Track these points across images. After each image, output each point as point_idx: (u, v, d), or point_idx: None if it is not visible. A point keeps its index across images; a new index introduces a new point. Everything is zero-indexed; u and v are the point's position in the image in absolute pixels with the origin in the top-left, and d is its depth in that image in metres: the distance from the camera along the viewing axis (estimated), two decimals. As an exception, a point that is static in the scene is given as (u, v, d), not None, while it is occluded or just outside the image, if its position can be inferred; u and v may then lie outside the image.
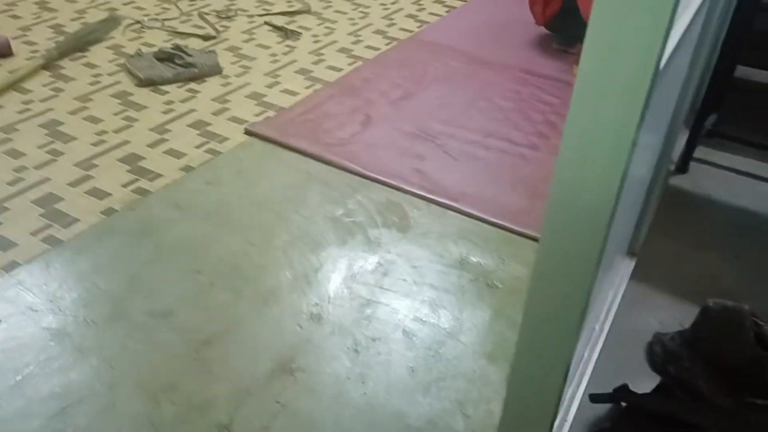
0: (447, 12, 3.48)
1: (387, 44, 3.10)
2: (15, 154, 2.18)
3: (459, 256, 1.83)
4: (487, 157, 2.27)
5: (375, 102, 2.58)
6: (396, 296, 1.68)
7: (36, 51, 2.83)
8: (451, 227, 1.95)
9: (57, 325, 1.56)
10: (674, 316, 1.61)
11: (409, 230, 1.93)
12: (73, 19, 3.18)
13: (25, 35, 2.98)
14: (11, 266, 1.73)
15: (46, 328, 1.55)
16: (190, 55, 2.80)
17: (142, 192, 2.04)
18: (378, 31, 3.24)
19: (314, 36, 3.17)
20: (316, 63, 2.91)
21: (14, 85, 2.55)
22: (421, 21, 3.37)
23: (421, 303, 1.67)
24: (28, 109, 2.43)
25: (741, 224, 2.00)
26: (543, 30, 3.12)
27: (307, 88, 2.70)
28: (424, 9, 3.51)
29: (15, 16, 3.16)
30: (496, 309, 1.66)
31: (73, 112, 2.43)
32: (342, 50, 3.04)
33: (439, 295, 1.69)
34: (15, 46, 2.83)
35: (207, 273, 1.73)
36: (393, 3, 3.57)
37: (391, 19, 3.38)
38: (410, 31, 3.24)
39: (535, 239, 1.90)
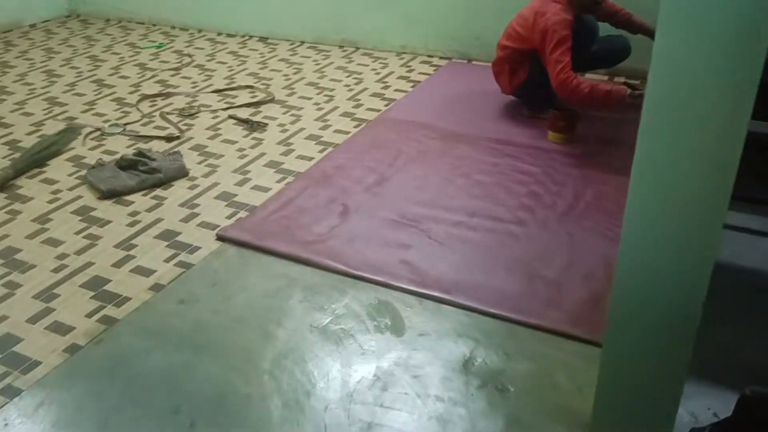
0: (412, 87, 3.45)
1: (356, 126, 3.03)
2: (-32, 291, 2.01)
3: (462, 357, 1.68)
4: (475, 239, 2.16)
5: (350, 190, 2.48)
6: (400, 415, 1.52)
7: (-10, 172, 2.69)
8: (448, 323, 1.81)
9: (18, 497, 1.36)
10: (705, 404, 1.47)
11: (404, 332, 1.79)
12: (29, 133, 3.06)
13: (-22, 156, 2.85)
14: (-36, 428, 1.53)
15: (4, 503, 1.35)
16: (153, 160, 2.68)
17: (109, 321, 1.87)
18: (345, 114, 3.18)
19: (281, 125, 3.09)
20: (285, 154, 2.82)
21: (-34, 213, 2.40)
22: (387, 99, 3.32)
23: (429, 420, 1.50)
24: (-18, 238, 2.27)
25: (750, 286, 1.90)
26: (510, 98, 3.09)
27: (278, 182, 2.60)
28: (389, 86, 3.48)
29: (-33, 137, 3.04)
30: (511, 417, 1.50)
31: (31, 236, 2.28)
32: (311, 137, 2.96)
33: (446, 408, 1.53)
34: (-33, 169, 2.70)
35: (186, 410, 1.55)
36: (357, 83, 3.53)
37: (357, 99, 3.33)
38: (378, 110, 3.19)
39: (539, 328, 1.76)
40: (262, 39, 4.31)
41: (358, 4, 3.94)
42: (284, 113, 3.21)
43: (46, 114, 3.27)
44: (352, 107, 3.25)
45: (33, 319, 1.88)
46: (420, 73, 3.64)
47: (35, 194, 2.55)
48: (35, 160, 2.76)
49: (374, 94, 3.39)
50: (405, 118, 3.06)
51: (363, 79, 3.58)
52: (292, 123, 3.11)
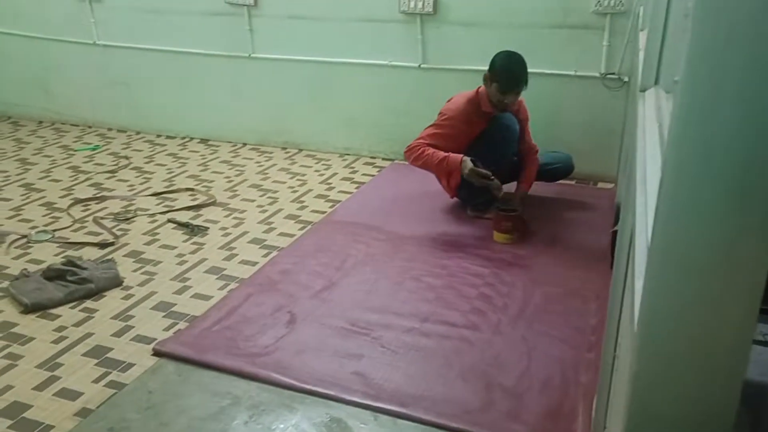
0: (357, 188, 3.46)
1: (301, 229, 2.98)
2: None
3: (423, 480, 1.56)
4: (429, 346, 2.08)
5: (297, 296, 2.38)
6: None
7: None
8: (406, 441, 1.70)
9: None
10: None
11: (360, 454, 1.66)
12: (-54, 242, 2.84)
13: None
14: None
15: None
16: (84, 269, 2.52)
17: (27, 456, 1.65)
18: (290, 216, 3.13)
19: (223, 229, 3.00)
20: (228, 259, 2.71)
21: None
22: (332, 200, 3.30)
23: None
24: None
25: None
26: (455, 199, 3.13)
27: (220, 289, 2.48)
28: (333, 188, 3.48)
29: None
30: None
31: (-61, 359, 2.05)
32: (254, 241, 2.87)
33: None
34: None
35: None
36: (301, 185, 3.52)
37: (302, 201, 3.30)
38: (323, 212, 3.16)
39: (502, 442, 1.68)
40: (203, 140, 4.28)
41: (299, 107, 4.01)
42: (226, 216, 3.13)
43: (-34, 220, 3.07)
44: (297, 209, 3.20)
45: (-65, 459, 1.65)
46: (363, 174, 3.67)
47: (-52, 310, 2.33)
48: (-49, 272, 2.55)
49: (319, 196, 3.37)
50: (351, 219, 3.03)
51: (307, 181, 3.57)
52: (235, 226, 3.02)
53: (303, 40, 3.84)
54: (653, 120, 1.12)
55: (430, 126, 2.94)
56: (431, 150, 2.83)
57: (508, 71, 2.80)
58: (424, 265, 2.59)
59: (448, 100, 3.01)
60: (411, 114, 3.75)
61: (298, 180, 3.59)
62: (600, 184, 3.43)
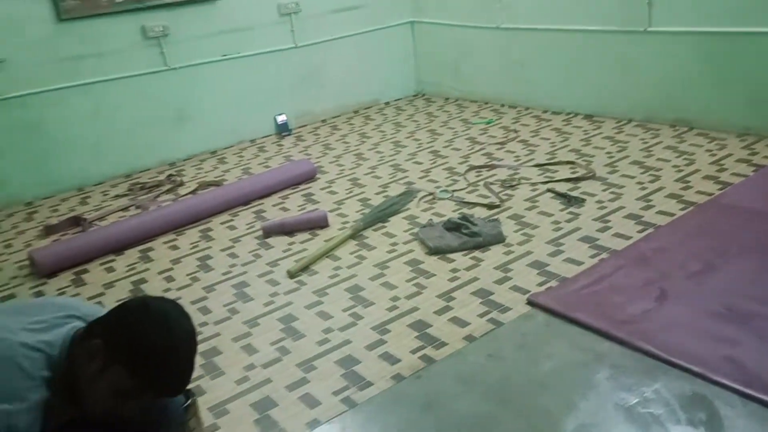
0: (754, 171, 3.14)
1: (682, 209, 2.88)
2: (324, 315, 2.47)
3: (796, 480, 1.46)
4: (826, 349, 1.86)
5: (670, 275, 2.36)
6: None
7: (346, 222, 3.28)
8: (780, 437, 1.59)
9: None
10: None
11: (723, 434, 1.63)
12: (377, 193, 3.64)
13: (339, 208, 3.49)
14: (314, 424, 1.89)
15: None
16: (475, 225, 2.95)
17: (428, 360, 2.11)
18: (671, 195, 3.04)
19: (599, 202, 3.10)
20: (601, 230, 2.82)
21: (328, 253, 2.96)
22: (722, 183, 3.08)
23: None
24: (337, 275, 2.77)
25: None
26: None
27: (591, 257, 2.61)
28: (725, 169, 3.22)
29: (332, 192, 3.75)
30: None
31: (372, 278, 2.70)
32: (630, 216, 2.90)
33: None
34: (331, 218, 3.32)
35: (487, 457, 1.66)
36: (688, 164, 3.35)
37: (687, 181, 3.16)
38: (709, 194, 2.98)
39: None
40: (588, 117, 4.40)
41: (695, 82, 3.77)
42: (603, 190, 3.22)
43: (391, 178, 3.85)
44: (680, 189, 3.09)
45: (369, 347, 2.23)
46: (765, 157, 3.29)
47: (377, 244, 3.02)
48: (379, 217, 3.27)
49: (707, 177, 3.17)
50: (743, 204, 2.79)
51: (695, 160, 3.39)
52: (611, 201, 3.09)
53: (705, 9, 3.59)
54: None
55: None
56: None
57: None
58: (832, 262, 2.26)
59: None
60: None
61: (684, 159, 3.43)
62: None
